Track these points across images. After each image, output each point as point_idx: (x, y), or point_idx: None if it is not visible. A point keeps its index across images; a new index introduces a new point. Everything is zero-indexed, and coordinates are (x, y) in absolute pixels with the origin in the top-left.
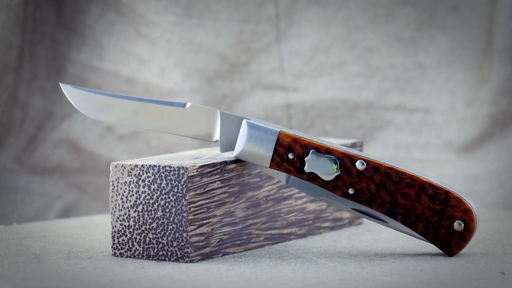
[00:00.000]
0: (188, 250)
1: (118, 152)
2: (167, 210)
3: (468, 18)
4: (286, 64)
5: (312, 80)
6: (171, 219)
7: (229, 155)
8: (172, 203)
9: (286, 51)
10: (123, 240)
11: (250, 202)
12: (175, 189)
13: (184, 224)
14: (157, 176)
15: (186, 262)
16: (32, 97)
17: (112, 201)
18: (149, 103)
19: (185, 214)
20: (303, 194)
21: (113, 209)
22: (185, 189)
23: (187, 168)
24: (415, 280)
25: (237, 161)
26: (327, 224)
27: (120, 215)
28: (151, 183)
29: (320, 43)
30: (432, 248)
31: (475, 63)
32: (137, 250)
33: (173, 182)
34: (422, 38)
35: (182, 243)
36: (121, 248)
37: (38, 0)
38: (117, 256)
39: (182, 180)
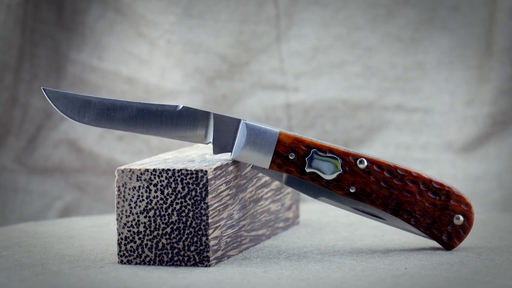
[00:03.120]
0: (208, 254)
1: (118, 152)
2: (184, 214)
3: (468, 18)
4: (286, 64)
5: (312, 80)
6: (188, 223)
7: (219, 157)
8: (189, 207)
9: (286, 51)
10: (131, 247)
11: (241, 204)
12: (193, 193)
13: (203, 228)
14: (171, 180)
15: (206, 266)
16: (32, 97)
17: (118, 207)
18: (140, 106)
19: (204, 218)
20: (269, 194)
21: (119, 216)
22: (204, 192)
23: (206, 171)
24: (460, 273)
25: (234, 162)
26: (281, 224)
27: (127, 221)
28: (164, 188)
29: (320, 43)
30: (418, 243)
31: (475, 63)
32: (148, 256)
33: (190, 185)
34: (422, 38)
35: (201, 247)
36: (129, 255)
37: (38, 0)
38: (125, 263)
39: (201, 183)
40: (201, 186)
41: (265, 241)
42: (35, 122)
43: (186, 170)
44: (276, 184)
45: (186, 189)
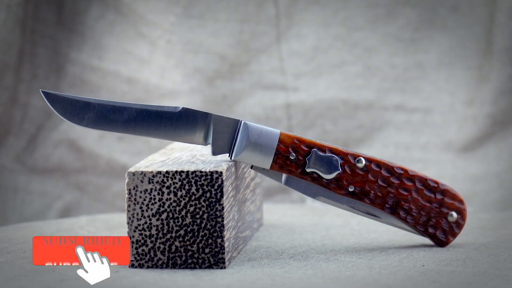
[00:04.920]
0: (224, 256)
1: (118, 152)
2: (198, 216)
3: (468, 18)
4: (286, 64)
5: (312, 80)
6: (203, 225)
7: (214, 158)
8: (203, 209)
9: (286, 51)
10: (143, 250)
11: (238, 206)
12: (208, 194)
13: (218, 230)
14: (185, 182)
15: (221, 268)
16: (32, 97)
17: (129, 211)
18: (139, 108)
19: (219, 219)
20: (250, 195)
21: (130, 219)
22: (219, 194)
23: (221, 172)
24: (480, 269)
25: (234, 163)
26: (255, 225)
27: (139, 225)
28: (177, 190)
29: (320, 43)
30: (405, 240)
31: (475, 63)
32: (161, 259)
33: (204, 187)
34: (422, 38)
35: (216, 249)
36: (141, 259)
37: (38, 0)
38: (136, 267)
39: (216, 184)
40: (216, 187)
41: (251, 242)
42: (35, 122)
43: (201, 172)
44: (253, 184)
45: (201, 190)
